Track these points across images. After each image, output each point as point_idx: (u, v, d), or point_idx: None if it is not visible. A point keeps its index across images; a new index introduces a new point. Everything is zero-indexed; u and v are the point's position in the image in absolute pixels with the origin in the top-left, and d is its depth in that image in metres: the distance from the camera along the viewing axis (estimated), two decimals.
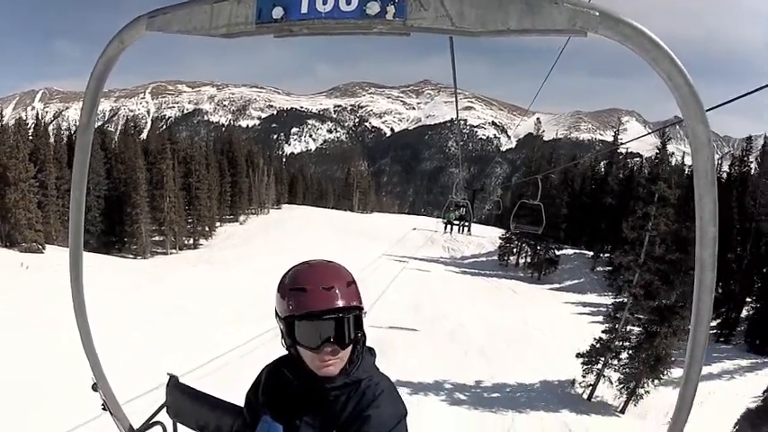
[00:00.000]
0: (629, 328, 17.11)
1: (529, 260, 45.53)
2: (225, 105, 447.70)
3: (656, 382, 15.91)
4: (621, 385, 16.76)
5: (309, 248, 42.52)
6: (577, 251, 46.59)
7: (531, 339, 22.49)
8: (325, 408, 1.67)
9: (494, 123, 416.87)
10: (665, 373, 15.86)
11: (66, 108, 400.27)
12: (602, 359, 17.02)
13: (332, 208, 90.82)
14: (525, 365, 18.74)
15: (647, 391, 15.94)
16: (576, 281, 40.55)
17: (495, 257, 48.68)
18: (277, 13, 1.23)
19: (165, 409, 2.46)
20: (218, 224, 60.51)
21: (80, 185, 1.78)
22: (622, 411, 16.41)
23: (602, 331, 17.64)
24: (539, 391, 17.01)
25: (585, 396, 17.17)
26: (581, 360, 17.33)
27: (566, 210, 44.60)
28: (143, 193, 48.73)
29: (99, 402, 2.16)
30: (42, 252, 39.05)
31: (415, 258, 44.40)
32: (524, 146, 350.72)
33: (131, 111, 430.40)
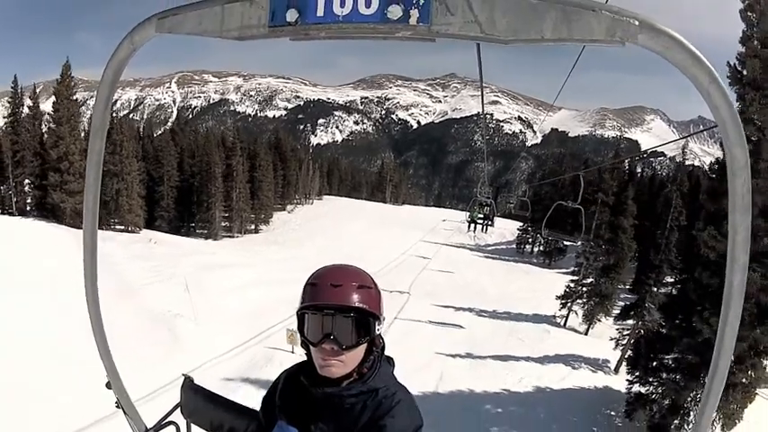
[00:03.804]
0: (588, 280, 26.01)
1: (542, 248, 52.68)
2: (251, 95, 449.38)
3: (607, 317, 24.72)
4: (584, 317, 25.44)
5: (358, 234, 51.68)
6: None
7: (534, 298, 29.98)
8: (341, 415, 1.67)
9: (519, 118, 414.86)
10: (610, 308, 24.55)
11: (91, 97, 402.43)
12: (571, 299, 25.78)
13: (365, 199, 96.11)
14: (525, 307, 27.00)
15: (599, 320, 24.72)
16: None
17: (514, 246, 56.12)
18: (291, 15, 1.19)
19: (179, 409, 2.50)
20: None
21: (94, 190, 1.75)
22: (586, 333, 24.63)
23: (570, 281, 26.75)
24: (531, 317, 25.43)
25: (561, 323, 25.67)
26: (559, 302, 26.13)
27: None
28: (218, 184, 56.96)
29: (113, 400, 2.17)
30: (139, 232, 46.58)
31: (446, 244, 53.18)
32: (549, 141, 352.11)
33: (157, 100, 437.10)
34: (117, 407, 2.18)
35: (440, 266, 37.94)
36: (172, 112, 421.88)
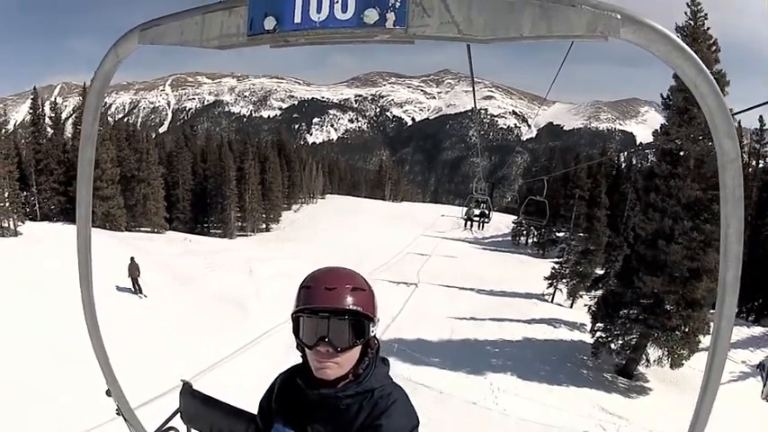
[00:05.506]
0: (569, 263, 30.38)
1: (535, 240, 56.07)
2: (246, 96, 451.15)
3: (585, 293, 28.94)
4: (568, 294, 29.76)
5: (363, 230, 55.36)
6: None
7: (526, 281, 33.42)
8: (338, 416, 1.68)
9: (514, 113, 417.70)
10: (587, 284, 28.82)
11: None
12: (556, 279, 30.10)
13: (365, 197, 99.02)
14: (519, 287, 31.07)
15: (581, 296, 28.95)
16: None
17: (509, 238, 59.51)
18: (269, 23, 1.19)
19: (178, 414, 2.53)
20: None
21: (86, 200, 1.76)
22: (570, 307, 28.70)
23: (555, 263, 31.01)
24: (523, 294, 29.57)
25: (549, 300, 29.76)
26: (547, 282, 30.38)
27: (563, 200, 56.26)
28: (233, 186, 60.63)
29: (113, 407, 2.18)
30: (164, 233, 50.05)
31: (446, 238, 57.10)
32: (544, 135, 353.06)
33: (151, 103, 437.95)
34: (117, 414, 2.21)
35: (441, 256, 42.22)
36: (167, 114, 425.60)
